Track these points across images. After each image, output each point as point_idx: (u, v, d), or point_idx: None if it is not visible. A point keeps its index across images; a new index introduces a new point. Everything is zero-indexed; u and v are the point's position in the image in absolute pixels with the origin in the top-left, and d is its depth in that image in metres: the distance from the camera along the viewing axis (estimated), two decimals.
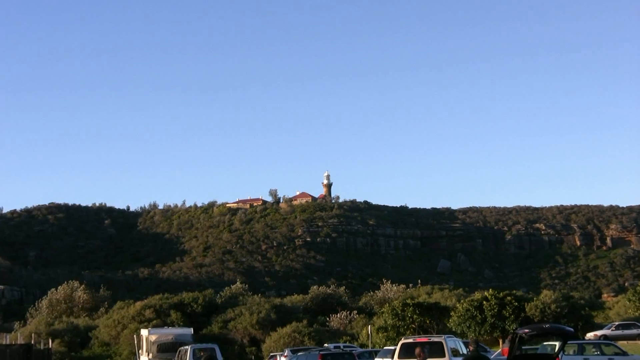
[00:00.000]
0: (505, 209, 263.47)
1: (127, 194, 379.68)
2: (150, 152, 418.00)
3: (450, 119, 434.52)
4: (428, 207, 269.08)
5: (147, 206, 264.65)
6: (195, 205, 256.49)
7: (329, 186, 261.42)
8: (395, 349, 33.92)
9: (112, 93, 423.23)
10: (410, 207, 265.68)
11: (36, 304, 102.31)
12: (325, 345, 60.17)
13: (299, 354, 46.15)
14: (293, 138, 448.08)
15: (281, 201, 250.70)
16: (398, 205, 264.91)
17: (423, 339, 33.68)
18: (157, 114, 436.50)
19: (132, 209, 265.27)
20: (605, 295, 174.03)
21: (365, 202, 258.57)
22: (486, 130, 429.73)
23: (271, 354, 60.73)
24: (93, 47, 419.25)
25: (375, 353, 49.09)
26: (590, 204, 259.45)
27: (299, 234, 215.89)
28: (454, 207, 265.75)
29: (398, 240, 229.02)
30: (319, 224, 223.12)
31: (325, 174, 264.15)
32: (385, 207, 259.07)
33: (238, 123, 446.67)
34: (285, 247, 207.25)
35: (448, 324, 65.34)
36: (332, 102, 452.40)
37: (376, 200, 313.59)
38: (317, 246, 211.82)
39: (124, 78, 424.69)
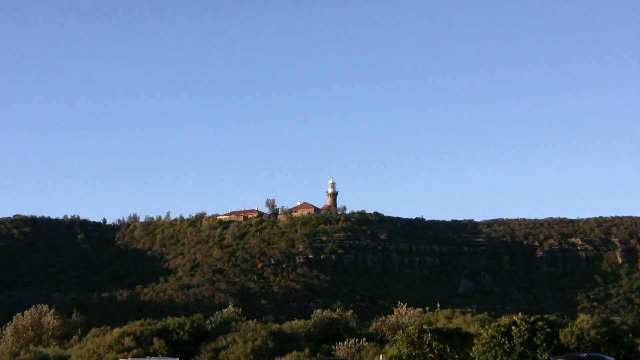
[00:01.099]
0: (536, 221, 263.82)
1: (104, 205, 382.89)
2: (129, 159, 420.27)
3: (472, 120, 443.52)
4: (447, 219, 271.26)
5: (126, 219, 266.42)
6: (182, 218, 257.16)
7: (334, 195, 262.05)
8: None
9: (87, 95, 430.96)
10: (427, 219, 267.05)
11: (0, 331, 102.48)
12: None
13: None
14: (293, 141, 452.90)
15: (279, 213, 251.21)
16: (413, 217, 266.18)
17: None
18: (136, 114, 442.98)
19: (109, 222, 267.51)
20: None
21: (376, 213, 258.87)
22: (513, 134, 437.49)
23: None
24: (69, 50, 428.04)
25: None
26: (633, 215, 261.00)
27: (300, 250, 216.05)
28: (478, 219, 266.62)
29: (413, 257, 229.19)
30: (323, 238, 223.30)
31: (330, 182, 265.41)
32: (398, 219, 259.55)
33: (229, 126, 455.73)
34: (284, 265, 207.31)
35: (471, 353, 65.08)
36: (336, 101, 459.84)
37: (388, 211, 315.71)
38: (321, 264, 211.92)
39: (102, 79, 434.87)
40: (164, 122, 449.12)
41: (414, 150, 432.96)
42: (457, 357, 65.08)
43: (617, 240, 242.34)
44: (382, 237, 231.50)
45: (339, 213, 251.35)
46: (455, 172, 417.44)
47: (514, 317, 68.23)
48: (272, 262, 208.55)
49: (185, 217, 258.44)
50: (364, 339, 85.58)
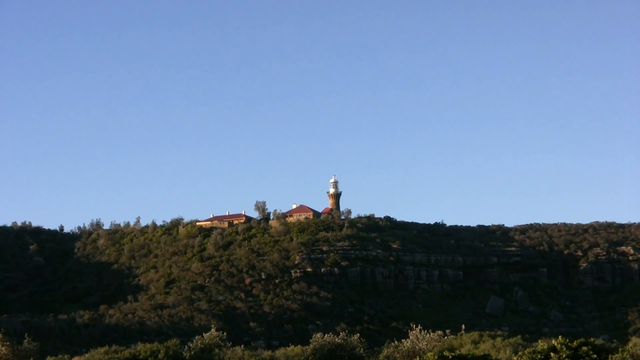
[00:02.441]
0: (578, 226, 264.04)
1: (60, 210, 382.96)
2: (91, 155, 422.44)
3: (501, 112, 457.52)
4: (473, 224, 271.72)
5: (87, 226, 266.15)
6: (154, 225, 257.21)
7: (336, 197, 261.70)
8: None
9: (44, 87, 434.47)
10: (448, 224, 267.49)
11: None
12: None
13: None
14: (286, 134, 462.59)
15: (272, 218, 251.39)
16: (432, 223, 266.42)
17: None
18: (99, 105, 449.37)
19: (66, 229, 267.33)
20: None
21: (387, 218, 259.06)
22: (551, 126, 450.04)
23: None
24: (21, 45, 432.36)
25: None
26: None
27: (297, 262, 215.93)
28: (509, 224, 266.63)
29: (432, 269, 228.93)
30: (324, 248, 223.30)
31: (332, 180, 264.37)
32: (414, 224, 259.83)
33: (209, 117, 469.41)
34: (277, 281, 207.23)
35: None
36: (338, 87, 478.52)
37: (401, 216, 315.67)
38: (321, 279, 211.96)
39: (59, 71, 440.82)
40: (131, 113, 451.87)
41: (431, 144, 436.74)
42: None
43: None
44: (395, 246, 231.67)
45: (342, 218, 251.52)
46: (482, 169, 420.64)
47: (553, 342, 67.90)
48: (263, 276, 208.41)
49: (159, 223, 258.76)
50: None
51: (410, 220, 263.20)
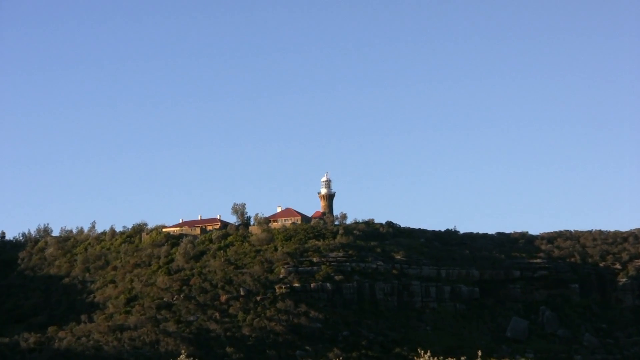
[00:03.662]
0: (617, 234, 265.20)
1: (2, 214, 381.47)
2: (37, 154, 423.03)
3: (524, 108, 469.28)
4: (491, 231, 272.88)
5: (33, 232, 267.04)
6: (113, 231, 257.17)
7: (329, 198, 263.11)
8: None
9: None
10: (462, 231, 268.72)
11: None
12: None
13: None
14: (270, 129, 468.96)
15: (252, 223, 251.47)
16: (442, 230, 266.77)
17: None
18: (49, 96, 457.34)
19: (8, 236, 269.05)
20: None
21: (389, 224, 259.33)
22: (585, 120, 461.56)
23: None
24: None
25: None
26: None
27: (282, 275, 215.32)
28: (534, 231, 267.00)
29: (443, 285, 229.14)
30: (314, 259, 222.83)
31: (324, 179, 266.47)
32: (421, 232, 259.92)
33: (178, 111, 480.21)
34: (258, 298, 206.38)
35: None
36: (333, 80, 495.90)
37: (406, 221, 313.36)
38: (311, 296, 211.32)
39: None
40: (87, 107, 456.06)
41: (442, 140, 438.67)
42: None
43: None
44: (398, 257, 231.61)
45: (336, 223, 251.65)
46: (501, 168, 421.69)
47: None
48: (242, 293, 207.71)
49: (118, 229, 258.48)
50: None
51: (416, 227, 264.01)
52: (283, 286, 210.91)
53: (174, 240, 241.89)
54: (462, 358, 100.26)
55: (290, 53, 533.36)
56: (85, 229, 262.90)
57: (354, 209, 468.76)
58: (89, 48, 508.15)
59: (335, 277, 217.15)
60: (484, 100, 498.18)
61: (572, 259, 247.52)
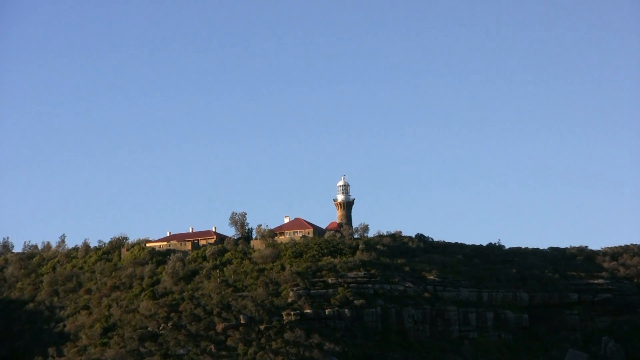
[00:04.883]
0: None
1: None
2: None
3: (582, 99, 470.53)
4: (543, 246, 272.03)
5: None
6: (86, 247, 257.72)
7: (347, 206, 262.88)
8: None
9: None
10: (507, 246, 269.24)
11: None
12: None
13: None
14: (273, 121, 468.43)
15: (254, 236, 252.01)
16: (484, 244, 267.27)
17: None
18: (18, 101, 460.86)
19: None
20: None
21: (420, 237, 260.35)
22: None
23: None
24: None
25: None
26: None
27: (290, 300, 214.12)
28: (594, 246, 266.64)
29: (485, 312, 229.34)
30: (330, 280, 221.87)
31: (341, 183, 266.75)
32: (458, 246, 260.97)
33: (169, 106, 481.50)
34: (262, 327, 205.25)
35: None
36: (355, 70, 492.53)
37: (440, 234, 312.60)
38: (326, 324, 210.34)
39: None
40: (60, 101, 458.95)
41: (481, 139, 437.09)
42: None
43: None
44: (431, 277, 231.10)
45: (355, 236, 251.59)
46: (555, 172, 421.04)
47: None
48: (242, 320, 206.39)
49: (93, 244, 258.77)
50: None
51: (452, 241, 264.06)
52: (292, 313, 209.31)
53: (160, 257, 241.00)
54: None
55: (296, 40, 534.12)
56: (53, 244, 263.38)
57: (376, 219, 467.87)
58: (64, 48, 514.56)
59: (355, 301, 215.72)
60: (535, 97, 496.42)
61: None
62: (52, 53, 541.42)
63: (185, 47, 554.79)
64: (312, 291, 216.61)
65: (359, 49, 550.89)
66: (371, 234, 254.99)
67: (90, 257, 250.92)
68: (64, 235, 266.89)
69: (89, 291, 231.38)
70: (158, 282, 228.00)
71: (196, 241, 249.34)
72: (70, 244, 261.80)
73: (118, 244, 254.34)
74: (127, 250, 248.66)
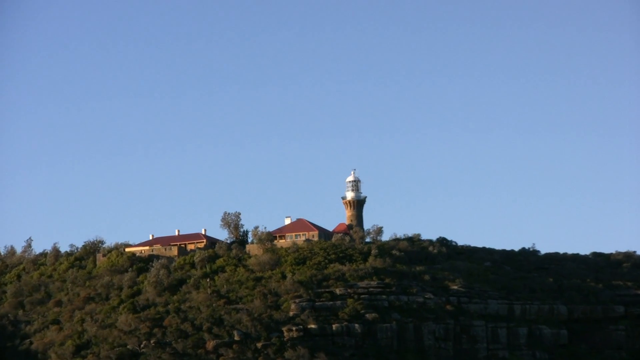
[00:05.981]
0: None
1: None
2: None
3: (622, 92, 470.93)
4: (584, 251, 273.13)
5: None
6: (56, 252, 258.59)
7: (357, 205, 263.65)
8: None
9: None
10: (543, 251, 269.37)
11: None
12: None
13: None
14: (272, 112, 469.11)
15: (250, 240, 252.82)
16: (516, 249, 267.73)
17: None
18: None
19: None
20: None
21: (442, 241, 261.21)
22: None
23: None
24: None
25: None
26: None
27: (292, 313, 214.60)
28: None
29: (517, 327, 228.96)
30: (338, 290, 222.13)
31: (350, 179, 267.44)
32: (486, 251, 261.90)
33: (153, 92, 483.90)
34: (259, 345, 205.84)
35: None
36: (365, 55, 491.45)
37: (465, 237, 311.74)
38: (333, 341, 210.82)
39: None
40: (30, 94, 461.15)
41: (512, 131, 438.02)
42: None
43: None
44: (455, 287, 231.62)
45: (367, 240, 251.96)
46: (595, 167, 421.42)
47: None
48: (236, 337, 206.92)
49: (64, 249, 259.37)
50: None
51: (479, 245, 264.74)
52: (294, 328, 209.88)
53: (141, 264, 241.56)
54: None
55: (298, 27, 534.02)
56: (18, 249, 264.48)
57: (391, 220, 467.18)
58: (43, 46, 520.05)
59: (367, 315, 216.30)
60: (577, 93, 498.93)
61: None
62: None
63: (175, 40, 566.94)
64: (317, 303, 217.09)
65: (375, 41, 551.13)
66: (385, 237, 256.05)
67: (61, 264, 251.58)
68: (30, 239, 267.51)
69: (59, 303, 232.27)
70: (139, 292, 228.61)
71: (183, 245, 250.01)
72: (37, 248, 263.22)
73: (93, 249, 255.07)
74: (104, 256, 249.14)
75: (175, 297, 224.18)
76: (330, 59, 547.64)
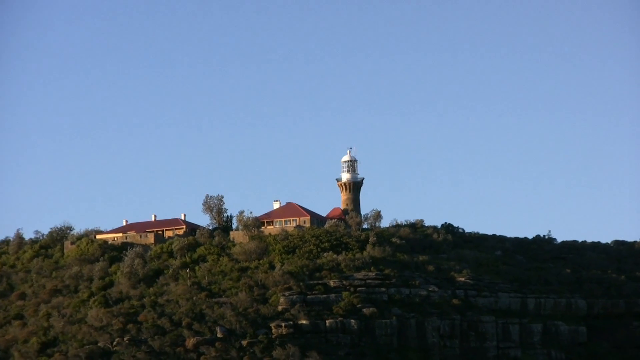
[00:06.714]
0: None
1: None
2: None
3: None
4: (605, 239, 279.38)
5: None
6: (19, 239, 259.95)
7: (354, 188, 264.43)
8: None
9: None
10: (559, 239, 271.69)
11: None
12: None
13: None
14: (259, 82, 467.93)
15: (235, 226, 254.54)
16: (529, 237, 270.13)
17: None
18: None
19: None
20: None
21: (447, 227, 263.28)
22: None
23: None
24: None
25: None
26: None
27: (281, 308, 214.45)
28: None
29: (530, 323, 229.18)
30: (332, 282, 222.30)
31: (346, 158, 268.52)
32: (497, 239, 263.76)
33: (126, 63, 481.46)
34: (245, 343, 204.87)
35: None
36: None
37: (472, 224, 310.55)
38: (327, 338, 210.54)
39: None
40: None
41: (526, 107, 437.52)
42: None
43: None
44: (462, 279, 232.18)
45: (365, 227, 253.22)
46: (617, 147, 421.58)
47: None
48: (219, 334, 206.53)
49: (28, 236, 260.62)
50: None
51: (489, 232, 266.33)
52: (283, 324, 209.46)
53: (113, 253, 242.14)
54: None
55: None
56: None
57: (391, 204, 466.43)
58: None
59: (364, 310, 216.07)
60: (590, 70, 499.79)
61: None
62: None
63: (155, 12, 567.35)
64: (308, 297, 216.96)
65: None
66: (385, 223, 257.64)
67: (25, 252, 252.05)
68: None
69: (22, 296, 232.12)
70: (111, 284, 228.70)
71: (160, 232, 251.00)
72: None
73: (60, 236, 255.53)
74: (72, 243, 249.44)
75: (151, 289, 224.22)
76: (323, 27, 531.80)
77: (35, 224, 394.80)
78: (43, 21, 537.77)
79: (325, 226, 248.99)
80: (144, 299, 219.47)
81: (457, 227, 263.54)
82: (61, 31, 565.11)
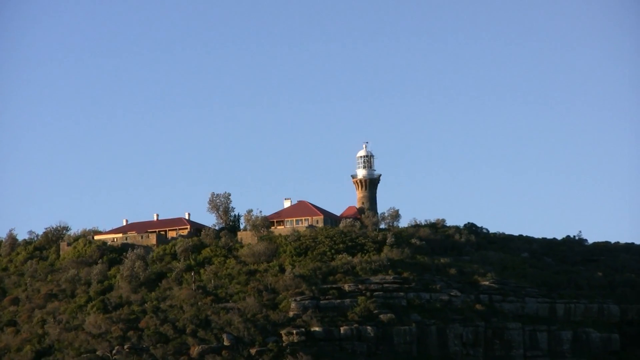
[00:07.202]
0: None
1: None
2: None
3: None
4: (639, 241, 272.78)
5: None
6: (13, 239, 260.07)
7: (370, 185, 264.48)
8: None
9: None
10: (590, 240, 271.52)
11: None
12: None
13: None
14: (269, 76, 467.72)
15: (243, 226, 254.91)
16: (558, 238, 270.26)
17: None
18: None
19: None
20: None
21: (470, 227, 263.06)
22: None
23: None
24: None
25: None
26: None
27: (293, 313, 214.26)
28: None
29: (559, 330, 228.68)
30: (346, 286, 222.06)
31: (362, 154, 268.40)
32: (523, 240, 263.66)
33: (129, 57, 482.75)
34: (253, 351, 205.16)
35: None
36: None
37: (497, 224, 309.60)
38: (341, 346, 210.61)
39: None
40: None
41: (557, 104, 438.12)
42: None
43: None
44: (486, 282, 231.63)
45: (381, 227, 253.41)
46: None
47: None
48: (226, 342, 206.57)
49: (21, 237, 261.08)
50: None
51: (515, 233, 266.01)
52: (294, 331, 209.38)
53: (113, 254, 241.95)
54: None
55: None
56: None
57: (410, 203, 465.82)
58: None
59: (381, 316, 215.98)
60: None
61: None
62: None
63: None
64: (321, 302, 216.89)
65: None
66: (403, 223, 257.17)
67: (18, 254, 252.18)
68: None
69: (15, 301, 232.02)
70: (111, 288, 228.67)
71: (163, 233, 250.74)
72: None
73: (56, 237, 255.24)
74: (69, 244, 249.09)
75: (153, 294, 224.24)
76: (336, 19, 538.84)
77: (29, 224, 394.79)
78: (42, 20, 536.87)
79: (339, 226, 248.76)
80: (146, 304, 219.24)
81: (481, 227, 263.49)
82: (59, 27, 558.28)
